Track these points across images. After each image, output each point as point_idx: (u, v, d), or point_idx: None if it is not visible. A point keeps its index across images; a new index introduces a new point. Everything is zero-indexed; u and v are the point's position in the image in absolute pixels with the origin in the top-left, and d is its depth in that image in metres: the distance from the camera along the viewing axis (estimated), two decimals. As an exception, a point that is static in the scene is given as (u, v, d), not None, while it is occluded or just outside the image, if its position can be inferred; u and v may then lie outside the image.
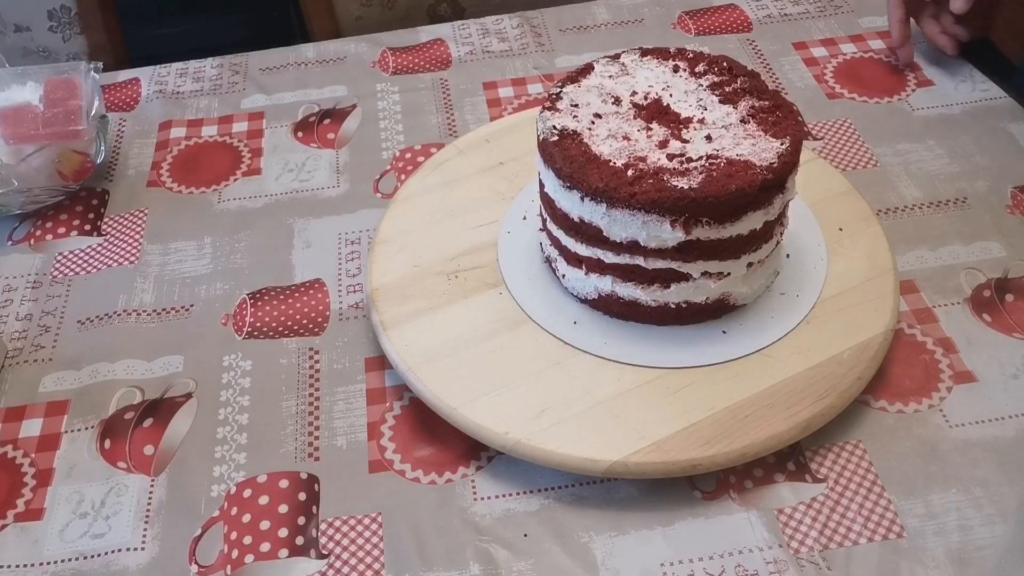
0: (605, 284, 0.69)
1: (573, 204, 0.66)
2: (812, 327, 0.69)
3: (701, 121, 0.68)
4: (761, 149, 0.65)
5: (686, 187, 0.62)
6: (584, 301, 0.72)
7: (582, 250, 0.68)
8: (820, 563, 0.60)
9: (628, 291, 0.68)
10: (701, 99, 0.70)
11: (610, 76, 0.72)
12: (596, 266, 0.68)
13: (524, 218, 0.79)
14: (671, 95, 0.70)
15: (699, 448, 0.62)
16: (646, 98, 0.70)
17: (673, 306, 0.69)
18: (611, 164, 0.64)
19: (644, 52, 0.75)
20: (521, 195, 0.81)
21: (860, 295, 0.71)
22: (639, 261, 0.66)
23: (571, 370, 0.68)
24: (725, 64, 0.73)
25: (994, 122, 0.92)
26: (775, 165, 0.63)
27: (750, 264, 0.67)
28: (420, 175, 0.85)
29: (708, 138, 0.66)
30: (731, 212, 0.63)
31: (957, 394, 0.69)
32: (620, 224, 0.64)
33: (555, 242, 0.71)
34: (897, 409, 0.68)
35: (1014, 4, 0.97)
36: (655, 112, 0.69)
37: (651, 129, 0.67)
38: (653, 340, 0.69)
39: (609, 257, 0.67)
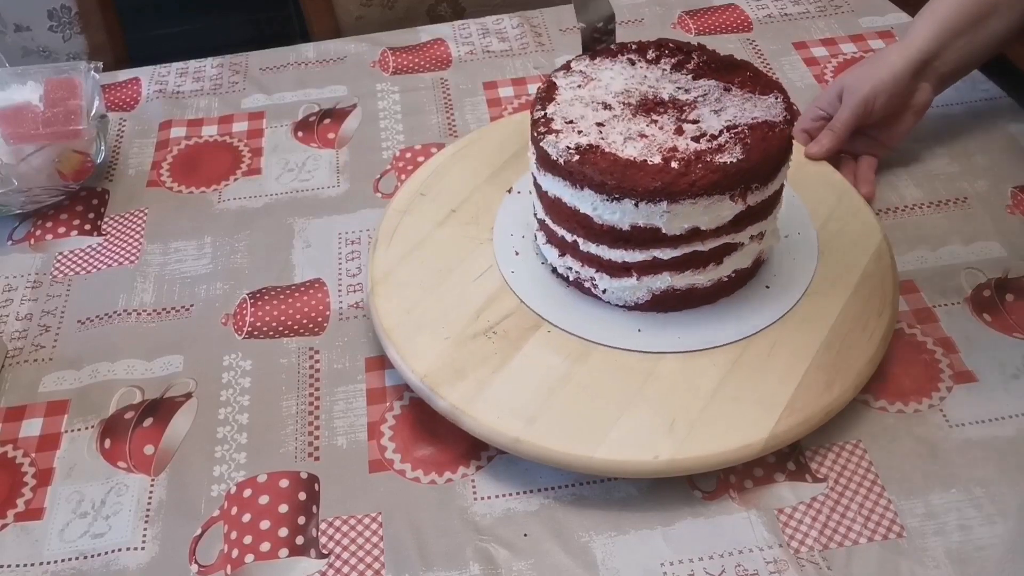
0: (661, 282, 0.69)
1: (625, 213, 0.64)
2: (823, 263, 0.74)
3: (694, 101, 0.69)
4: (765, 107, 0.68)
5: (735, 160, 0.63)
6: (633, 307, 0.71)
7: (634, 256, 0.67)
8: (820, 563, 0.60)
9: (685, 280, 0.69)
10: (676, 81, 0.71)
11: (579, 86, 0.72)
12: (650, 268, 0.68)
13: (516, 253, 0.77)
14: (650, 86, 0.71)
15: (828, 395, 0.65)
16: (630, 95, 0.70)
17: (726, 279, 0.70)
18: (650, 163, 0.64)
19: (592, 55, 0.74)
20: (496, 234, 0.78)
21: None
22: (697, 247, 0.66)
23: (665, 376, 0.67)
24: (672, 44, 0.74)
25: (994, 122, 0.92)
26: (788, 117, 0.67)
27: (761, 229, 0.70)
28: (383, 250, 0.78)
29: (715, 112, 0.67)
30: (774, 171, 0.66)
31: (957, 394, 0.69)
32: (681, 216, 0.64)
33: (592, 260, 0.69)
34: (897, 409, 0.68)
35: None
36: (648, 105, 0.69)
37: (657, 121, 0.67)
38: (713, 319, 0.71)
39: (667, 253, 0.67)
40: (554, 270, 0.74)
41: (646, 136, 0.66)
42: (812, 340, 0.69)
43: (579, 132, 0.67)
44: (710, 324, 0.70)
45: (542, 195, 0.70)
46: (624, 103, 0.70)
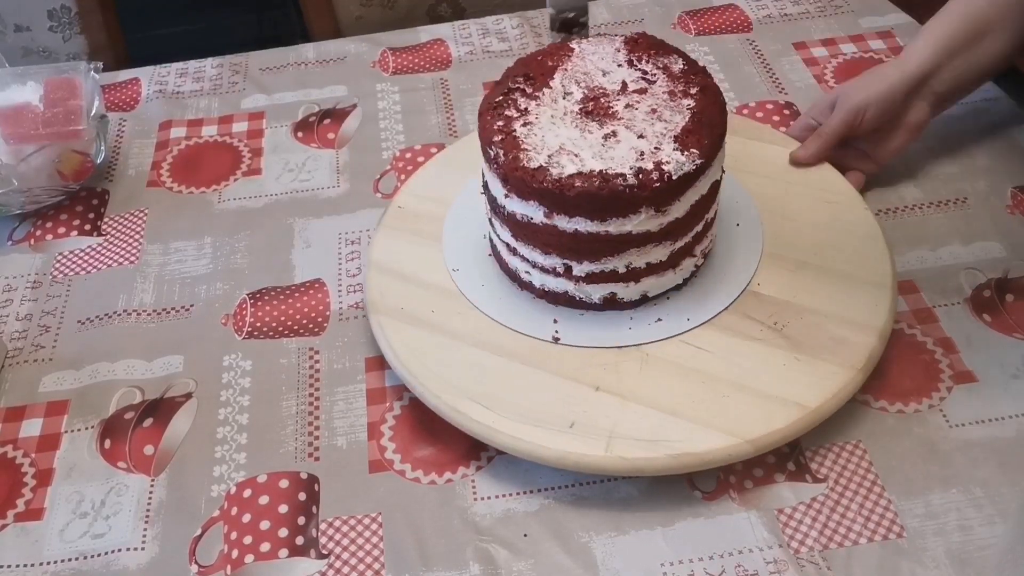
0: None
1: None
2: None
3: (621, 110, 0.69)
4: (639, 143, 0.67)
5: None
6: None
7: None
8: (820, 563, 0.60)
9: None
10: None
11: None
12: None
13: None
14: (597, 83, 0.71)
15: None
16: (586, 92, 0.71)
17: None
18: (517, 158, 0.66)
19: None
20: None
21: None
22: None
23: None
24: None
25: (994, 122, 0.92)
26: (639, 171, 0.65)
27: None
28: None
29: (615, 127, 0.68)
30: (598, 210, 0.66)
31: (957, 394, 0.69)
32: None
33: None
34: (897, 409, 0.68)
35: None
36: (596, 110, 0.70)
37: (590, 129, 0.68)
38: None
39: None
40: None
41: (564, 147, 0.67)
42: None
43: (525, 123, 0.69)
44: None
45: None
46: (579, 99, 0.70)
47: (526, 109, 0.69)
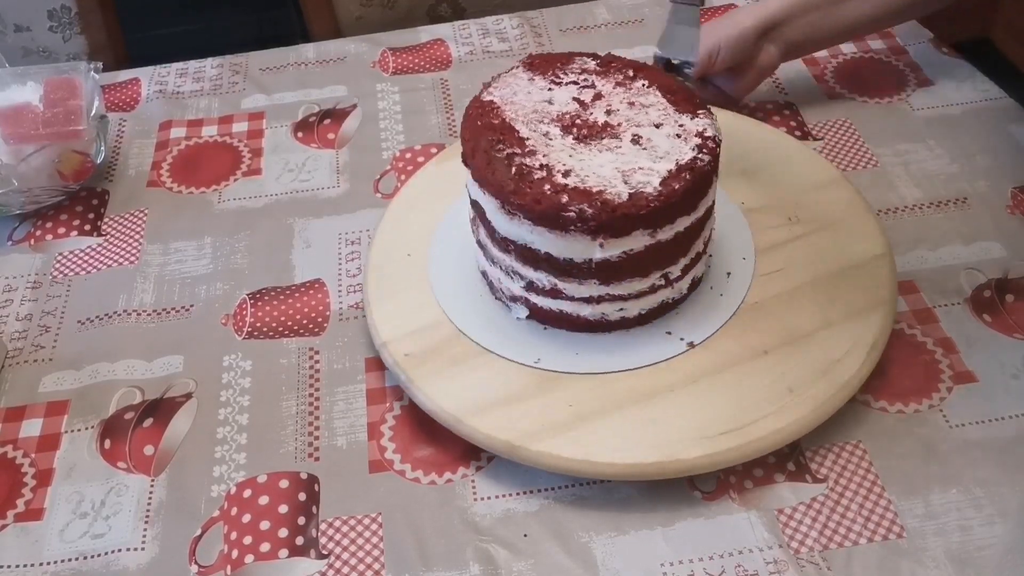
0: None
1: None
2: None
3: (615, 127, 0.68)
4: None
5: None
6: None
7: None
8: (820, 563, 0.60)
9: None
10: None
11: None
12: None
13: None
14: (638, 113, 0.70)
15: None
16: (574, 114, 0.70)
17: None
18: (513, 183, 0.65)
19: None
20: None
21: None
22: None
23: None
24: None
25: (994, 122, 0.92)
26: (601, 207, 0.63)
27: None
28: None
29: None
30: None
31: (957, 394, 0.69)
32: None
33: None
34: (897, 409, 0.68)
35: (1015, 4, 0.97)
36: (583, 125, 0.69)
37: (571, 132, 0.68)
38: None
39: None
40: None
41: (548, 137, 0.67)
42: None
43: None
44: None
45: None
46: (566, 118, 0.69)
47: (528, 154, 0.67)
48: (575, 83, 0.72)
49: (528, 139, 0.67)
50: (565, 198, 0.62)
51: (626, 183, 0.63)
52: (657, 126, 0.67)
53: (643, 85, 0.71)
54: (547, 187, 0.63)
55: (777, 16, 0.86)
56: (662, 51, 0.81)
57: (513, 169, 0.64)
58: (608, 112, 0.69)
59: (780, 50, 0.88)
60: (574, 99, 0.70)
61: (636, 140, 0.66)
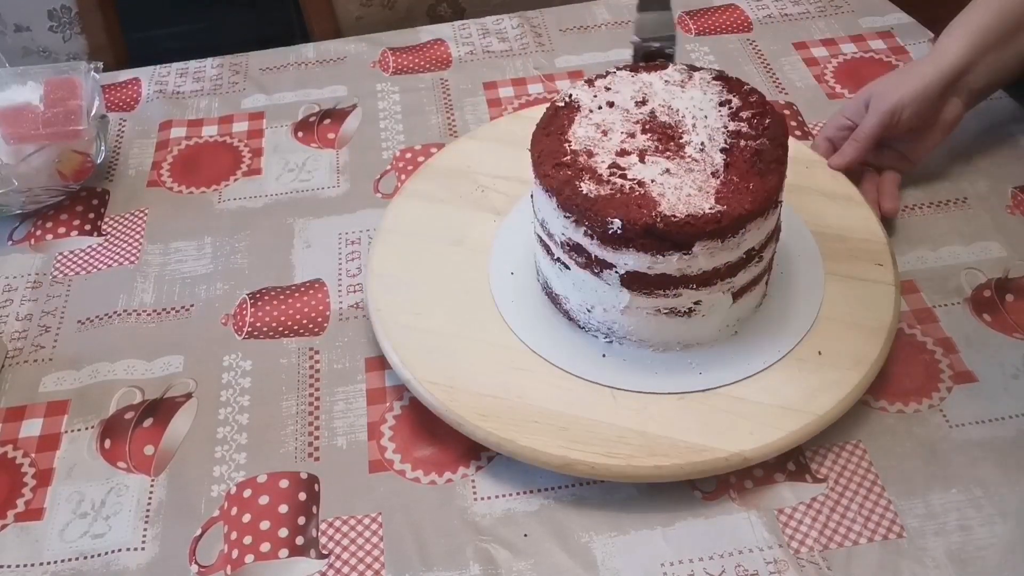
0: (537, 255, 0.71)
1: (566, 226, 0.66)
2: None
3: (682, 156, 0.65)
4: (683, 203, 0.61)
5: (584, 192, 0.62)
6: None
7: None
8: (820, 563, 0.60)
9: (546, 270, 0.71)
10: (712, 139, 0.66)
11: (668, 81, 0.70)
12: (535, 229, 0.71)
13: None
14: (693, 123, 0.67)
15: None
16: (669, 113, 0.68)
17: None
18: (565, 144, 0.66)
19: (718, 76, 0.71)
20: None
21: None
22: (549, 243, 0.68)
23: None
24: (768, 121, 0.67)
25: (994, 122, 0.92)
26: (673, 220, 0.61)
27: (642, 305, 0.66)
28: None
29: (665, 171, 0.64)
30: (610, 237, 0.62)
31: (957, 394, 0.69)
32: (537, 199, 0.67)
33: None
34: (897, 409, 0.68)
35: None
36: (660, 127, 0.67)
37: (634, 139, 0.66)
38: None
39: (536, 227, 0.69)
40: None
41: (606, 135, 0.66)
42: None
43: (595, 96, 0.68)
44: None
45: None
46: (654, 113, 0.68)
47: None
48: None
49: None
50: None
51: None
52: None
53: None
54: None
55: (960, 64, 0.78)
56: (640, 36, 0.79)
57: None
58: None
59: (964, 102, 0.80)
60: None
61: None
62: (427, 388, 0.68)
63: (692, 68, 0.72)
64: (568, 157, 0.65)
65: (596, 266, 0.65)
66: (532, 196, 0.69)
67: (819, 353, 0.68)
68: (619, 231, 0.61)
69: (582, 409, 0.66)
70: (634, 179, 0.63)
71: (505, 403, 0.66)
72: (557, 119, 0.69)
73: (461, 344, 0.71)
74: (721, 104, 0.69)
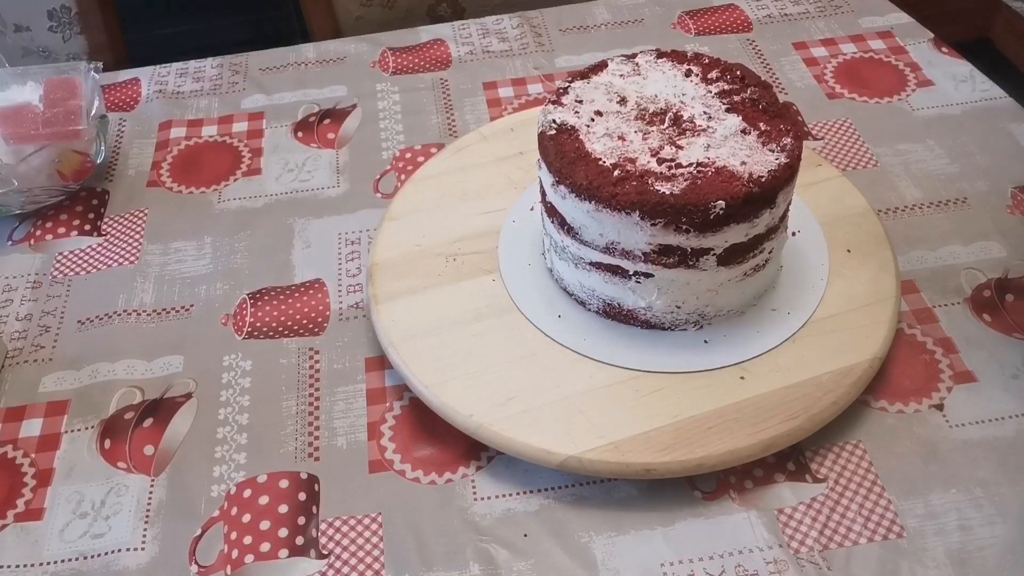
0: (590, 281, 0.69)
1: (561, 199, 0.67)
2: (797, 346, 0.69)
3: (702, 129, 0.67)
4: (754, 162, 0.64)
5: (667, 192, 0.62)
6: (571, 295, 0.73)
7: (569, 245, 0.68)
8: (820, 563, 0.60)
9: (611, 291, 0.69)
10: (708, 106, 0.69)
11: (621, 75, 0.72)
12: (580, 262, 0.69)
13: (532, 208, 0.79)
14: (679, 100, 0.70)
15: (655, 453, 0.63)
16: (653, 101, 0.70)
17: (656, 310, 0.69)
18: (600, 163, 0.64)
19: (660, 54, 0.74)
20: (532, 185, 0.81)
21: (854, 320, 0.70)
22: (622, 262, 0.66)
23: (546, 362, 0.69)
24: (738, 72, 0.71)
25: (994, 122, 0.92)
26: (763, 179, 0.63)
27: (732, 275, 0.67)
28: (441, 157, 0.87)
29: (706, 147, 0.65)
30: (711, 222, 0.63)
31: (957, 394, 0.69)
32: (600, 223, 0.65)
33: (548, 235, 0.72)
34: (897, 409, 0.68)
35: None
36: (657, 115, 0.69)
37: (648, 132, 0.67)
38: (632, 342, 0.69)
39: (591, 255, 0.67)
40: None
41: (624, 139, 0.66)
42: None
43: (576, 113, 0.69)
44: (625, 345, 0.69)
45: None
46: (640, 105, 0.69)
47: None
48: (718, 103, 0.70)
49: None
50: None
51: None
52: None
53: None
54: None
55: None
56: None
57: None
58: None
59: None
60: (701, 107, 0.70)
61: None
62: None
63: (629, 56, 0.74)
64: (618, 172, 0.64)
65: (692, 258, 0.65)
66: (564, 229, 0.68)
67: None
68: (721, 211, 0.62)
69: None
70: (691, 163, 0.64)
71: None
72: (563, 145, 0.67)
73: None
74: (686, 76, 0.72)
